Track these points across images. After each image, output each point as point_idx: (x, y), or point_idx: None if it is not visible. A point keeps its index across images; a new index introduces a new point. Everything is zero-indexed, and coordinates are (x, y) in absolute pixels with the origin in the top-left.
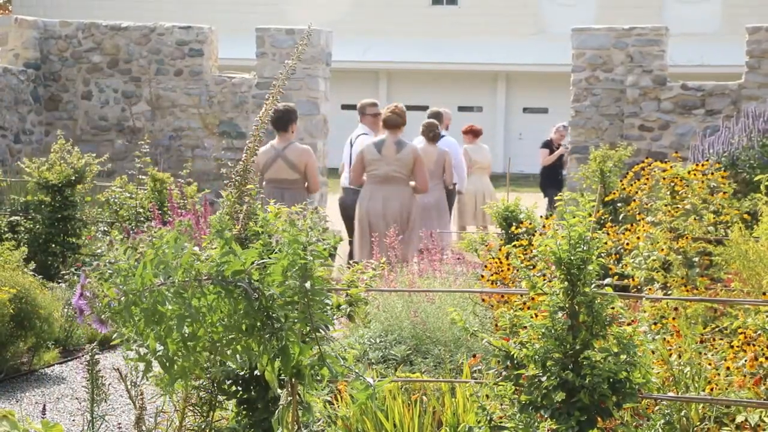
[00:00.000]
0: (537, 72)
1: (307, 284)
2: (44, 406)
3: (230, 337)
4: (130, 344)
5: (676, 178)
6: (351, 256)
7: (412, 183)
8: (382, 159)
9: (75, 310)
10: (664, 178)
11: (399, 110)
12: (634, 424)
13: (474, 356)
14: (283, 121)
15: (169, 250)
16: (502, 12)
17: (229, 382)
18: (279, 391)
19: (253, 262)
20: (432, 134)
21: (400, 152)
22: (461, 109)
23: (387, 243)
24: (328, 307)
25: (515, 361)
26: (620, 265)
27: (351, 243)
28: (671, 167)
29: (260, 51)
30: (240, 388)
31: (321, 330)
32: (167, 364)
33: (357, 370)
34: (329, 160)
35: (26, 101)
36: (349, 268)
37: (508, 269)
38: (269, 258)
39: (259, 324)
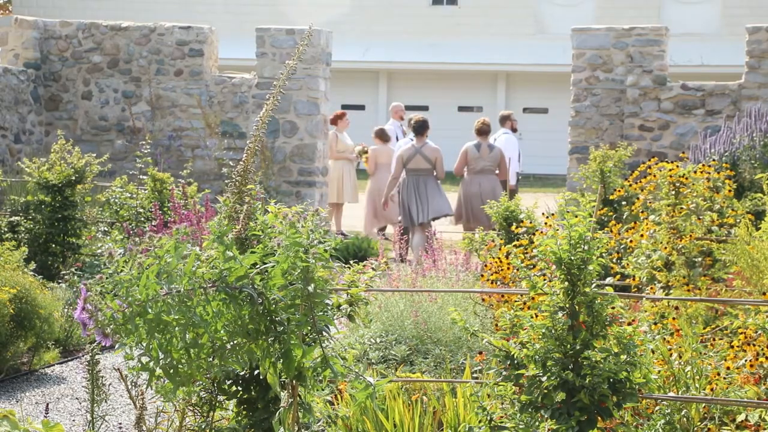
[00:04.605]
0: (537, 72)
1: (310, 287)
2: (47, 405)
3: (234, 342)
4: (132, 353)
5: (682, 177)
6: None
7: (497, 171)
8: (479, 157)
9: (79, 324)
10: (671, 177)
11: (487, 122)
12: (634, 423)
13: (480, 353)
14: (421, 128)
15: (172, 260)
16: (502, 12)
17: (229, 382)
18: (280, 392)
19: (254, 264)
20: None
21: (491, 152)
22: (461, 109)
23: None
24: (329, 308)
25: (515, 361)
26: (621, 264)
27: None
28: (677, 167)
29: (260, 51)
30: (240, 388)
31: (324, 332)
32: (171, 372)
33: (357, 370)
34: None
35: (26, 101)
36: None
37: (509, 269)
38: (269, 261)
39: (263, 328)
